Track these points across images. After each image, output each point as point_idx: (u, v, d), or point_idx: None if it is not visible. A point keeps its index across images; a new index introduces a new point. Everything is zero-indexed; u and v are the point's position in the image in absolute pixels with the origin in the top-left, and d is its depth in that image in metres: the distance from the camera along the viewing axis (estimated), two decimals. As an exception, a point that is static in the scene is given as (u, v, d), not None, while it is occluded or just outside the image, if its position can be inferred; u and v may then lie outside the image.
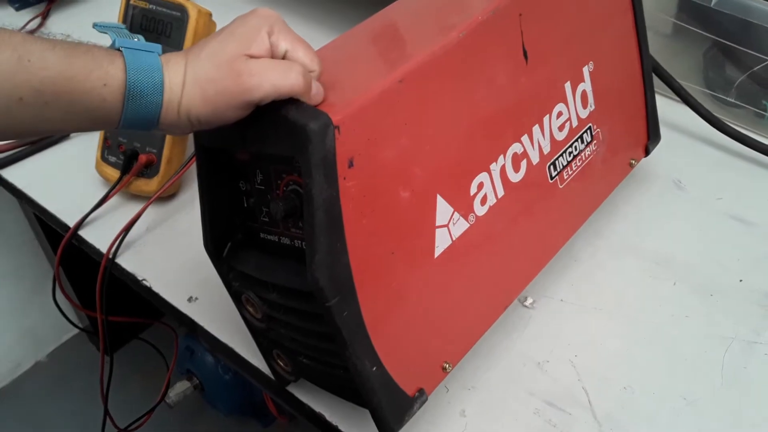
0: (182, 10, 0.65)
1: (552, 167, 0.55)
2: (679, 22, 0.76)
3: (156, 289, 0.61)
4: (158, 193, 0.65)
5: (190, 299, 0.60)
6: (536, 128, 0.53)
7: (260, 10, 0.41)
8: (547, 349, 0.55)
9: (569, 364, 0.55)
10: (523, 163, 0.52)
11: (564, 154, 0.56)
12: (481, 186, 0.49)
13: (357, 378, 0.42)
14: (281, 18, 0.42)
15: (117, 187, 0.67)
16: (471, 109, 0.48)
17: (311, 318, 0.43)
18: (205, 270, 0.60)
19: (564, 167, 0.56)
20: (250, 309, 0.47)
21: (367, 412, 0.45)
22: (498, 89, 0.49)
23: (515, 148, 0.51)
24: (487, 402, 0.52)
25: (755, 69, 0.72)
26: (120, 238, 0.64)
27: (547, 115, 0.54)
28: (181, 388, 1.13)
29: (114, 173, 0.68)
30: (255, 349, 0.53)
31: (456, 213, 0.47)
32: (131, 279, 0.63)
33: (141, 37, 0.41)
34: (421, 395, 0.46)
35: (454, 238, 0.47)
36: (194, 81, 0.39)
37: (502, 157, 0.50)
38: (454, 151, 0.47)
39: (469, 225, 0.48)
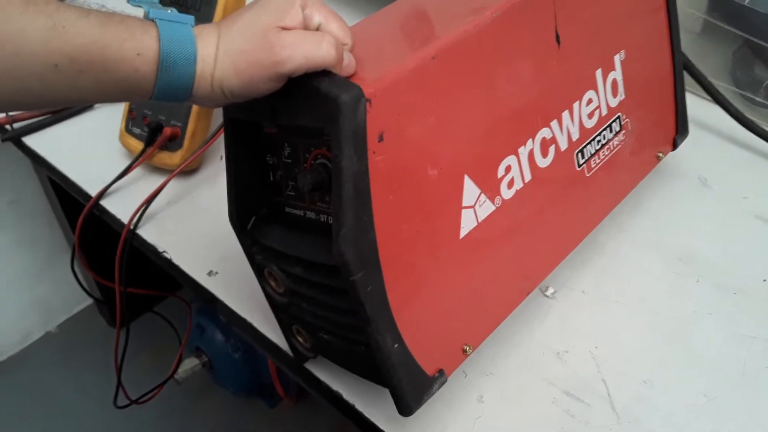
0: (213, -19, 0.64)
1: (580, 155, 0.54)
2: (710, 19, 0.76)
3: (176, 261, 0.61)
4: (181, 167, 0.65)
5: (210, 273, 0.60)
6: (566, 114, 0.52)
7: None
8: (566, 340, 0.55)
9: (589, 355, 0.54)
10: (552, 149, 0.52)
11: (592, 142, 0.55)
12: (508, 169, 0.48)
13: (378, 354, 0.42)
14: None
15: (140, 158, 0.67)
16: (501, 91, 0.47)
17: (335, 292, 0.43)
18: (226, 245, 0.61)
19: (592, 155, 0.56)
20: (273, 283, 0.47)
21: (385, 392, 0.45)
22: (529, 72, 0.49)
23: (544, 132, 0.51)
24: (506, 389, 0.52)
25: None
26: (142, 210, 0.64)
27: (577, 102, 0.54)
28: (189, 365, 1.13)
29: (138, 145, 0.68)
30: (273, 326, 0.53)
31: (483, 195, 0.47)
32: (152, 250, 0.63)
33: (174, 10, 0.41)
34: (441, 376, 0.46)
35: (479, 220, 0.47)
36: (227, 53, 0.39)
37: (530, 141, 0.50)
38: (482, 132, 0.47)
39: (495, 208, 0.48)
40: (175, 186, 0.68)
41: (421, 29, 0.47)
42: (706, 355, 0.54)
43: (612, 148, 0.58)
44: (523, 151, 0.49)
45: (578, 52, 0.53)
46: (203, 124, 0.68)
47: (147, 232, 0.64)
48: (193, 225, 0.65)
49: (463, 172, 0.45)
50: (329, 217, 0.42)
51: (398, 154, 0.41)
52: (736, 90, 0.75)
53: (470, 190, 0.46)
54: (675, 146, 0.65)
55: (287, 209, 0.45)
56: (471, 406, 0.51)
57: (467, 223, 0.46)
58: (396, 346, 0.42)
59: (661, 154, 0.64)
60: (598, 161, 0.56)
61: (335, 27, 0.41)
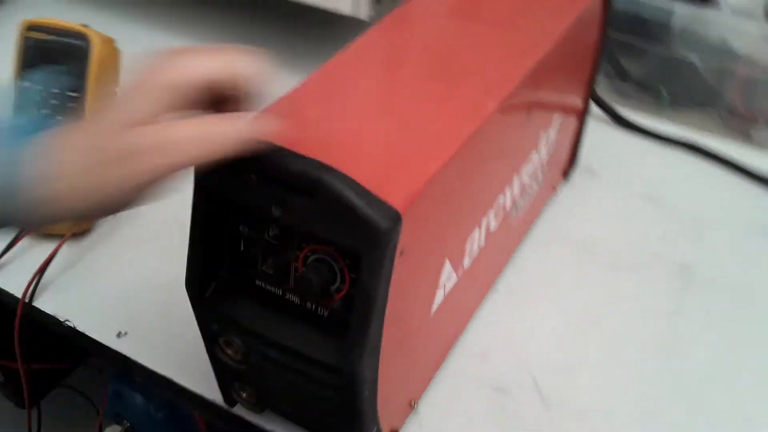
0: (83, 38, 0.62)
1: (515, 210, 0.57)
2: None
3: (81, 328, 0.58)
4: (75, 229, 0.62)
5: (119, 335, 0.58)
6: (516, 177, 0.54)
7: (156, 54, 0.34)
8: (487, 341, 0.57)
9: (511, 351, 0.56)
10: (501, 212, 0.53)
11: (525, 196, 0.58)
12: (472, 242, 0.49)
13: None
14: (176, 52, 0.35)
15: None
16: (487, 176, 0.48)
17: (322, 384, 0.42)
18: (131, 304, 0.59)
19: (521, 208, 0.58)
20: (229, 351, 0.44)
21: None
22: (506, 149, 0.51)
23: (500, 199, 0.52)
24: (438, 396, 0.53)
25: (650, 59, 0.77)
26: (35, 281, 0.61)
27: (525, 164, 0.56)
28: (112, 432, 1.07)
29: (22, 213, 0.64)
30: (196, 376, 0.52)
31: (453, 272, 0.47)
32: (53, 321, 0.59)
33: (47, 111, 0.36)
34: None
35: (445, 294, 0.47)
36: (71, 172, 0.33)
37: (491, 210, 0.51)
38: (464, 218, 0.47)
39: (457, 279, 0.48)
40: (68, 251, 0.64)
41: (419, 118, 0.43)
42: (621, 333, 0.57)
43: (533, 196, 0.61)
44: (484, 221, 0.50)
45: (536, 117, 0.55)
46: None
47: (45, 304, 0.60)
48: (93, 288, 0.62)
49: (445, 257, 0.45)
50: (318, 308, 0.41)
51: (410, 264, 0.39)
52: (607, 79, 0.81)
53: (447, 271, 0.46)
54: (567, 177, 0.70)
55: (259, 283, 0.42)
56: (407, 418, 0.51)
57: (438, 300, 0.47)
58: (375, 428, 0.44)
59: (557, 186, 0.68)
60: (524, 210, 0.59)
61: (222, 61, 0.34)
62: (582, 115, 0.68)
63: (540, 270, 0.63)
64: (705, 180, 0.72)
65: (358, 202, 0.35)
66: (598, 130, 0.77)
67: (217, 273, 0.44)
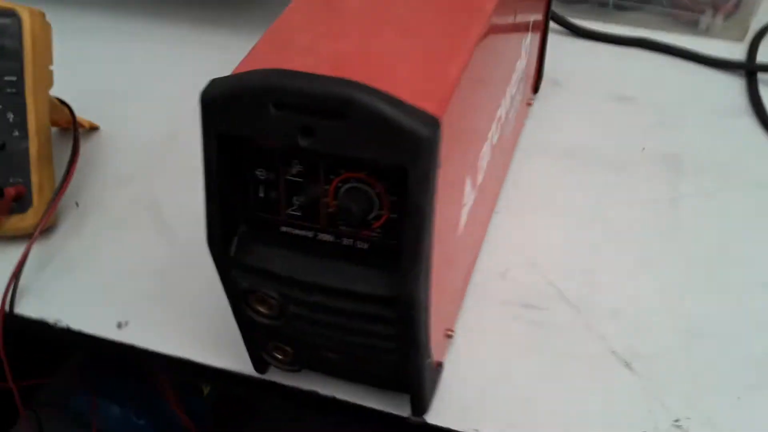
0: (11, 14, 0.56)
1: (507, 123, 0.56)
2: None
3: (76, 327, 0.54)
4: (42, 224, 0.57)
5: (119, 325, 0.54)
6: (508, 88, 0.53)
7: None
8: (502, 260, 0.56)
9: (528, 265, 0.55)
10: (499, 124, 0.52)
11: (512, 110, 0.57)
12: (483, 155, 0.47)
13: (414, 371, 0.41)
14: None
15: (-13, 232, 0.58)
16: (492, 83, 0.47)
17: (372, 320, 0.39)
18: (123, 292, 0.56)
19: (510, 121, 0.57)
20: (262, 308, 0.41)
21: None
22: (502, 55, 0.49)
23: (500, 111, 0.51)
24: (468, 323, 0.52)
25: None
26: (12, 287, 0.55)
27: (512, 73, 0.54)
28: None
29: (-23, 219, 0.59)
30: (213, 349, 0.50)
31: (472, 188, 0.45)
32: (42, 326, 0.55)
33: None
34: (440, 369, 0.46)
35: (467, 215, 0.46)
36: None
37: (494, 122, 0.49)
38: (480, 126, 0.45)
39: (474, 199, 0.47)
40: (37, 251, 0.59)
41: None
42: (625, 228, 0.58)
43: (516, 109, 0.60)
44: (490, 134, 0.49)
45: (519, 23, 0.54)
46: (47, 172, 0.60)
47: (28, 309, 0.55)
48: (76, 284, 0.57)
49: (466, 171, 0.43)
50: (357, 242, 0.39)
51: (443, 177, 0.36)
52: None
53: (468, 187, 0.44)
54: (537, 90, 0.69)
55: (285, 229, 0.40)
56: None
57: (462, 219, 0.45)
58: (428, 360, 0.42)
59: (531, 101, 0.68)
60: (511, 124, 0.58)
61: None
62: (544, 27, 0.68)
63: (532, 183, 0.62)
64: (666, 73, 0.73)
65: (396, 113, 0.33)
66: (554, 42, 0.76)
67: (237, 227, 0.40)
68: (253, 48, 0.39)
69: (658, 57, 0.75)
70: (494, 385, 0.48)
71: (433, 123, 0.33)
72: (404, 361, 0.41)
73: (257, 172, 0.39)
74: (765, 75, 0.70)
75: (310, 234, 0.40)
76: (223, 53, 0.77)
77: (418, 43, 0.39)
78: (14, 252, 0.57)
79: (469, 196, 0.46)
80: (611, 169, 0.62)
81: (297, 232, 0.40)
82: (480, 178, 0.48)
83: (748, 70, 0.70)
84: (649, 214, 0.58)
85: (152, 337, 0.53)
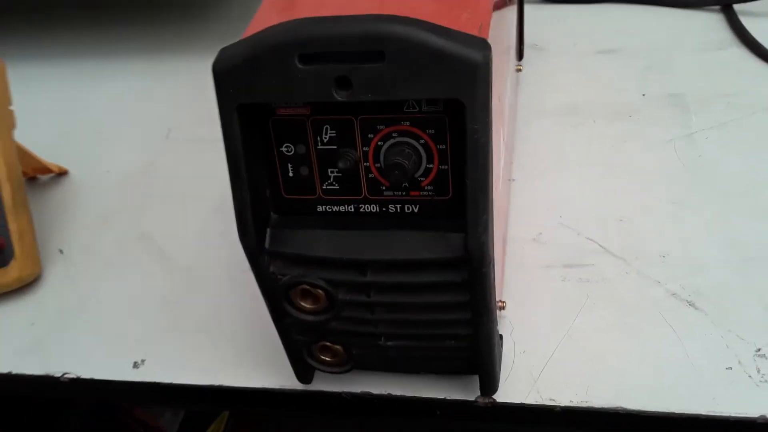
0: (-41, 52, 0.51)
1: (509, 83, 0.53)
2: None
3: (87, 375, 0.48)
4: (19, 283, 0.52)
5: (135, 365, 0.48)
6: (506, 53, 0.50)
7: None
8: (533, 226, 0.53)
9: (559, 225, 0.53)
10: (506, 85, 0.49)
11: (508, 77, 0.54)
12: (503, 107, 0.44)
13: (485, 341, 0.37)
14: None
15: (-33, 294, 0.52)
16: (504, 26, 0.45)
17: (438, 289, 0.35)
18: (133, 329, 0.51)
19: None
20: (307, 304, 0.37)
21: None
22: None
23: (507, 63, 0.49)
24: (514, 291, 0.48)
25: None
26: None
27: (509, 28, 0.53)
28: None
29: (-46, 282, 0.53)
30: (242, 373, 0.46)
31: (501, 141, 0.42)
32: (46, 382, 0.49)
33: None
34: (502, 342, 0.43)
35: (502, 163, 0.43)
36: None
37: (506, 78, 0.48)
38: (504, 70, 0.43)
39: (503, 148, 0.44)
40: (28, 305, 0.54)
41: None
42: (651, 170, 0.56)
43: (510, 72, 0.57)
44: (507, 85, 0.48)
45: None
46: (25, 217, 0.54)
47: (27, 367, 0.49)
48: (77, 332, 0.52)
49: (499, 124, 0.40)
50: (403, 206, 0.35)
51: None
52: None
53: (501, 141, 0.42)
54: (521, 56, 0.67)
55: (322, 208, 0.36)
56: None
57: (499, 175, 0.41)
58: (497, 328, 0.39)
59: (519, 66, 0.66)
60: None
61: None
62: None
63: (541, 146, 0.59)
64: (643, 22, 0.72)
65: (443, 40, 0.29)
66: (528, 11, 0.75)
67: (268, 217, 0.36)
68: (256, 15, 0.35)
69: (631, 8, 0.74)
70: (559, 351, 0.45)
71: (484, 46, 0.30)
72: (474, 332, 0.37)
73: (283, 149, 0.35)
74: (741, 6, 0.69)
75: (351, 208, 0.36)
76: (181, 79, 0.74)
77: None
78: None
79: (502, 149, 0.42)
80: (617, 117, 0.60)
81: (336, 208, 0.36)
82: (504, 133, 0.45)
83: (724, 3, 0.70)
84: (670, 154, 0.56)
85: (174, 370, 0.47)
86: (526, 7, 0.73)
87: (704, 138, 0.57)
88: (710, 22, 0.70)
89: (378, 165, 0.34)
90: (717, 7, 0.71)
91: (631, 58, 0.67)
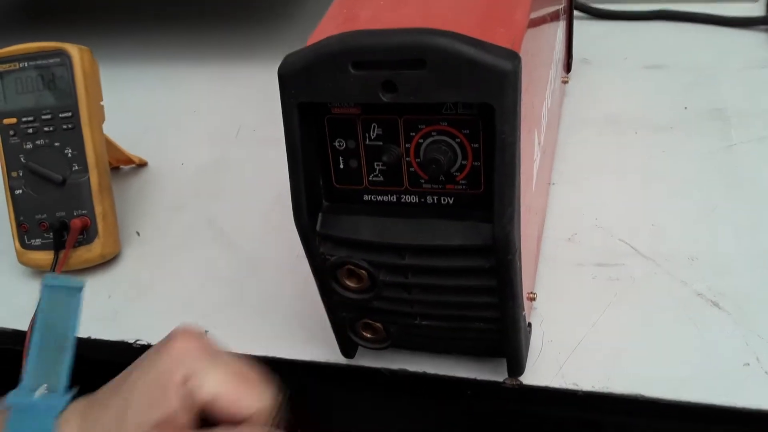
0: (61, 54, 0.58)
1: (554, 93, 0.57)
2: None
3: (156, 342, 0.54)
4: (101, 259, 0.58)
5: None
6: (553, 55, 0.55)
7: (175, 342, 0.33)
8: (568, 226, 0.56)
9: (593, 228, 0.56)
10: (550, 89, 0.53)
11: (555, 81, 0.58)
12: (543, 113, 0.48)
13: (511, 325, 0.41)
14: (205, 344, 0.34)
15: (57, 266, 0.58)
16: (545, 39, 0.48)
17: (469, 273, 0.40)
18: (198, 306, 0.55)
19: (555, 92, 0.59)
20: (350, 282, 0.42)
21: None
22: (548, 18, 0.50)
23: (551, 74, 0.53)
24: (545, 285, 0.52)
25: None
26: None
27: (555, 43, 0.57)
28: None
29: (46, 256, 0.59)
30: (297, 342, 0.51)
31: (538, 145, 0.46)
32: (122, 347, 0.55)
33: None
34: (530, 329, 0.46)
35: (536, 170, 0.46)
36: None
37: (548, 86, 0.51)
38: (542, 79, 0.46)
39: (540, 158, 0.48)
40: (106, 280, 0.60)
41: None
42: (688, 179, 0.58)
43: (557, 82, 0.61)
44: (547, 93, 0.51)
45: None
46: (109, 201, 0.61)
47: (106, 333, 0.56)
48: (149, 304, 0.58)
49: (533, 125, 0.44)
50: (440, 198, 0.39)
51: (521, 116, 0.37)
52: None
53: (536, 141, 0.45)
54: (569, 69, 0.71)
55: (368, 197, 0.41)
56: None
57: (534, 175, 0.45)
58: (523, 313, 0.42)
59: (566, 79, 0.69)
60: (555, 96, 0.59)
61: (235, 396, 0.33)
62: (570, 10, 0.69)
63: (582, 153, 0.63)
64: (690, 39, 0.75)
65: (476, 51, 0.33)
66: (577, 26, 0.78)
67: (321, 203, 0.41)
68: (318, 27, 0.40)
69: (678, 26, 0.77)
70: (585, 342, 0.48)
71: (514, 57, 0.34)
72: (502, 315, 0.41)
73: (336, 143, 0.40)
74: (789, 26, 0.71)
75: (393, 198, 0.41)
76: (251, 84, 0.80)
77: (478, 3, 0.40)
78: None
79: (536, 151, 0.46)
80: (659, 129, 0.63)
81: (380, 198, 0.41)
82: (542, 137, 0.49)
83: (771, 23, 0.72)
84: (708, 164, 0.59)
85: (233, 341, 0.52)
86: (577, 23, 0.77)
87: (742, 151, 0.59)
88: (756, 40, 0.72)
89: (418, 160, 0.39)
90: (764, 26, 0.73)
91: (676, 74, 0.69)
